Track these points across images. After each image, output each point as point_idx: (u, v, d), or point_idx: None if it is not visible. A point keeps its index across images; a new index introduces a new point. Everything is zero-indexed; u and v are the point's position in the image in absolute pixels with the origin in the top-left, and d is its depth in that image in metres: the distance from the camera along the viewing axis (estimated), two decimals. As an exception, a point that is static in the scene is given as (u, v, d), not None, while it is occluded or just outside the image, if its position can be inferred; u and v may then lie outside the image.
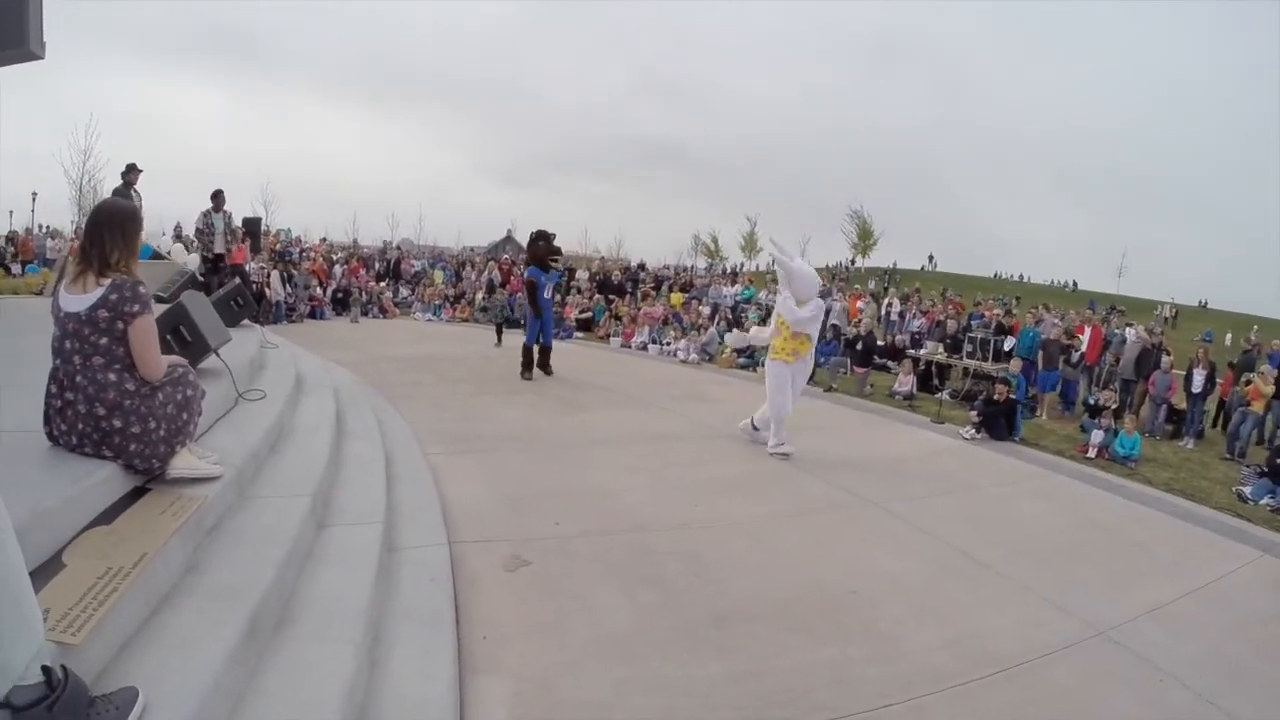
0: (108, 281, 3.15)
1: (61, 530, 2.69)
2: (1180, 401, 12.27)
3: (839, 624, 4.00)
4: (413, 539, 4.49)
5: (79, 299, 3.14)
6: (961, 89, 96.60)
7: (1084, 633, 4.13)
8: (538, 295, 11.35)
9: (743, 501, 5.93)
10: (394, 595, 3.70)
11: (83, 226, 3.70)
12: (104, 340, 3.14)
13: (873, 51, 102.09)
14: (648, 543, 4.91)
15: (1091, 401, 11.48)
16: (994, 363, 13.28)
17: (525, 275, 12.19)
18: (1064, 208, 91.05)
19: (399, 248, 32.62)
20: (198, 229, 12.26)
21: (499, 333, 15.58)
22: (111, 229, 3.24)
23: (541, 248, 11.64)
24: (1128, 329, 16.23)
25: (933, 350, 14.77)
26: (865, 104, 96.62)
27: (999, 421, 9.46)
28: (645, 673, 3.40)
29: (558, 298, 17.24)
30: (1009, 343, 13.75)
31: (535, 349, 11.40)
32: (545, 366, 11.55)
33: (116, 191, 10.86)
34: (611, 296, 20.54)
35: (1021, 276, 65.84)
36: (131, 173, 11.20)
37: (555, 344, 12.21)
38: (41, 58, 12.27)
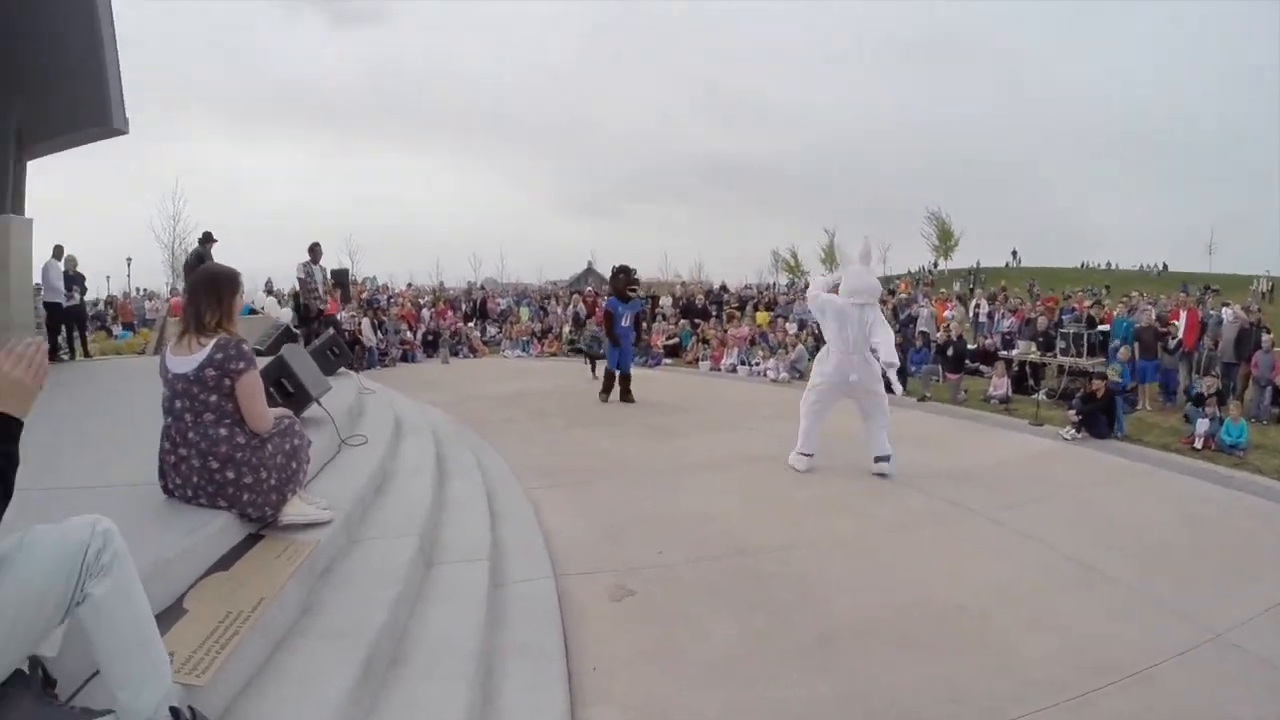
0: (211, 342, 3.27)
1: (182, 577, 2.78)
2: (1285, 381, 11.45)
3: (948, 639, 3.85)
4: (519, 573, 4.50)
5: (185, 360, 3.27)
6: (1026, 74, 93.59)
7: (1200, 635, 3.88)
8: (615, 325, 11.87)
9: (843, 519, 5.79)
10: (503, 630, 3.70)
11: (178, 287, 3.87)
12: (213, 398, 3.27)
13: (933, 45, 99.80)
14: (750, 565, 4.83)
15: (1194, 390, 10.85)
16: (1089, 357, 12.73)
17: (605, 306, 12.87)
18: (1146, 188, 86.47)
19: (483, 287, 33.24)
20: (300, 279, 12.68)
21: (592, 363, 15.63)
22: (208, 293, 3.38)
23: (621, 280, 12.27)
24: (1224, 309, 15.40)
25: (1025, 350, 14.16)
26: (932, 101, 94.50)
27: (1099, 418, 9.03)
28: (754, 696, 3.32)
29: (644, 325, 17.50)
30: (1123, 350, 13.14)
31: (615, 375, 12.00)
32: (626, 394, 11.93)
33: (192, 256, 11.39)
34: (696, 320, 20.49)
35: (1109, 264, 62.60)
36: (207, 241, 11.79)
37: (644, 371, 12.91)
38: (126, 133, 13.00)
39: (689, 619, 4.08)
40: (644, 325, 17.18)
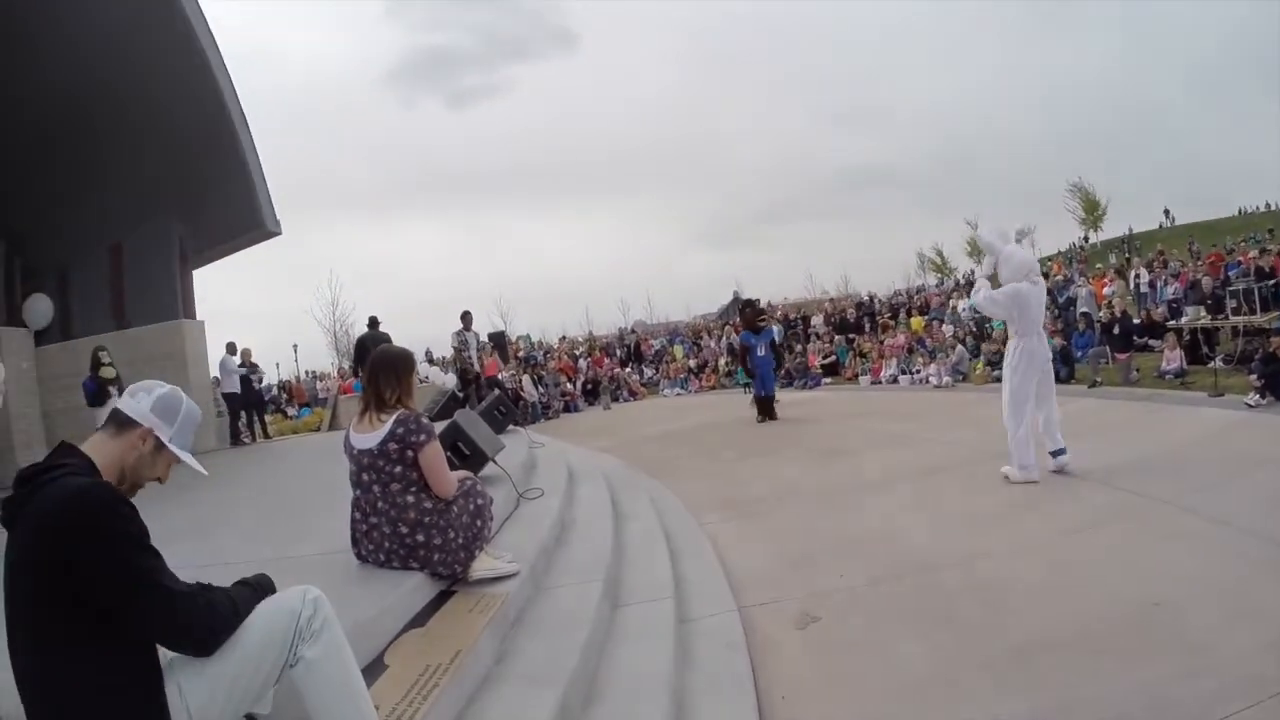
0: (392, 418, 3.49)
1: (381, 635, 2.95)
2: None
3: (1146, 641, 3.54)
4: (703, 609, 4.49)
5: (368, 437, 3.51)
6: (1153, 21, 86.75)
7: None
8: (751, 356, 12.95)
9: (1025, 523, 5.48)
10: (692, 665, 3.69)
11: (344, 367, 4.15)
12: (398, 469, 3.49)
13: (1049, 9, 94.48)
14: (935, 581, 4.63)
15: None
16: (1264, 313, 11.60)
17: (740, 341, 14.10)
18: None
19: (634, 330, 33.74)
20: (455, 348, 13.34)
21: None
22: (388, 373, 3.63)
23: (749, 314, 13.57)
24: None
25: (1194, 316, 13.03)
26: (1056, 71, 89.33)
27: None
28: (947, 715, 3.17)
29: (784, 348, 18.45)
30: None
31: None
32: (770, 413, 12.68)
33: (366, 338, 12.18)
34: (851, 335, 20.14)
35: (1268, 205, 56.53)
36: (374, 326, 12.64)
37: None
38: (279, 234, 14.16)
39: (876, 641, 3.95)
40: (782, 349, 17.80)
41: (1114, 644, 3.57)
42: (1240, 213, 54.35)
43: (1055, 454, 6.67)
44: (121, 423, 2.06)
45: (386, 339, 11.71)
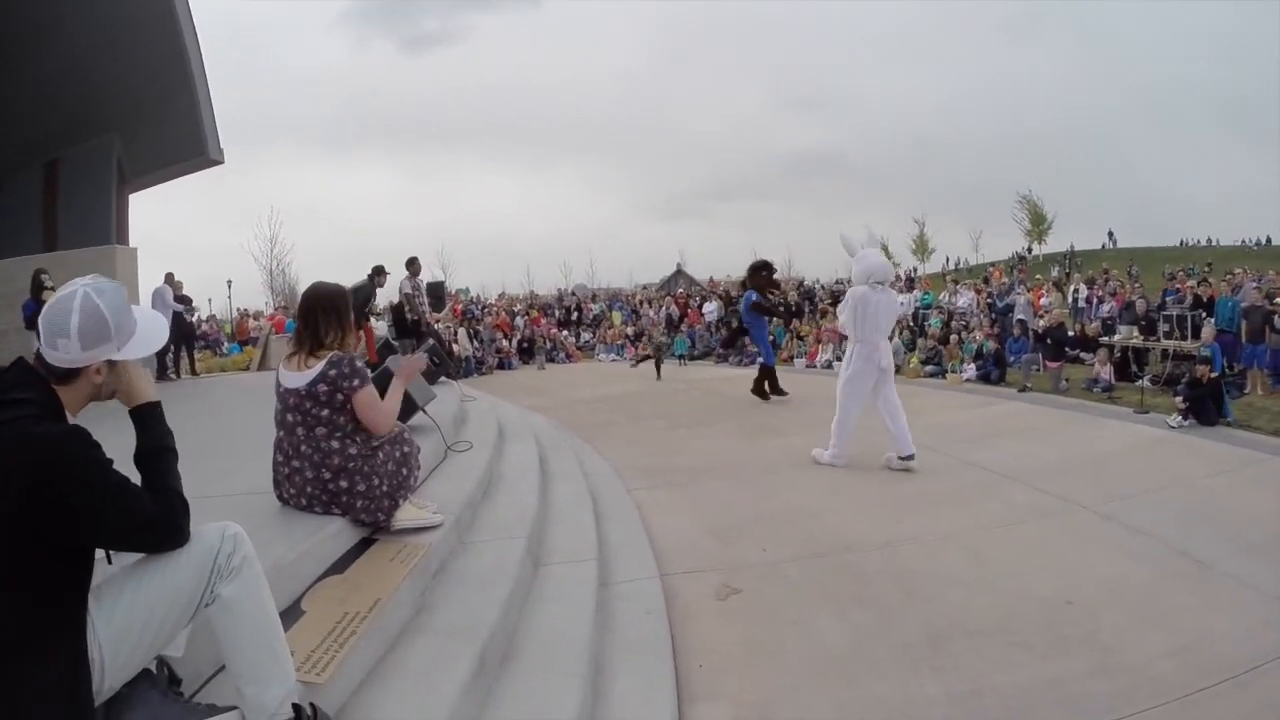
0: (325, 358, 3.38)
1: (300, 580, 2.90)
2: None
3: (1058, 637, 3.68)
4: (625, 573, 4.51)
5: (298, 376, 3.39)
6: (1115, 44, 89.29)
7: None
8: (758, 323, 12.09)
9: (949, 514, 5.61)
10: (612, 628, 3.72)
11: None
12: (325, 412, 3.38)
13: (1015, 21, 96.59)
14: (857, 562, 4.72)
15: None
16: (1194, 340, 12.06)
17: (753, 298, 12.07)
18: (1244, 157, 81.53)
19: (574, 293, 33.53)
20: (407, 294, 12.98)
21: (658, 368, 15.65)
22: (325, 311, 3.50)
23: (764, 277, 12.14)
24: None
25: (1127, 335, 13.42)
26: (1018, 80, 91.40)
27: (1207, 404, 8.51)
28: (863, 694, 3.25)
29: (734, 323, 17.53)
30: (1206, 329, 12.35)
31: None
32: (777, 388, 11.64)
33: (361, 285, 11.73)
34: (791, 317, 20.29)
35: (1209, 240, 58.97)
36: (380, 274, 12.12)
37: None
38: (221, 163, 13.67)
39: (795, 617, 4.02)
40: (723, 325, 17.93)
41: (1027, 637, 3.69)
42: (1181, 244, 56.46)
43: (905, 459, 6.83)
44: (65, 374, 1.92)
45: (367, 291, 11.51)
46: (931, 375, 13.80)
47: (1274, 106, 74.32)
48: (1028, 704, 3.11)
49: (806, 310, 20.86)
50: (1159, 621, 3.81)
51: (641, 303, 26.70)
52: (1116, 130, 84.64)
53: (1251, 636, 3.60)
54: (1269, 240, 55.46)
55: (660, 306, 24.36)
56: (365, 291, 11.75)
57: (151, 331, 2.08)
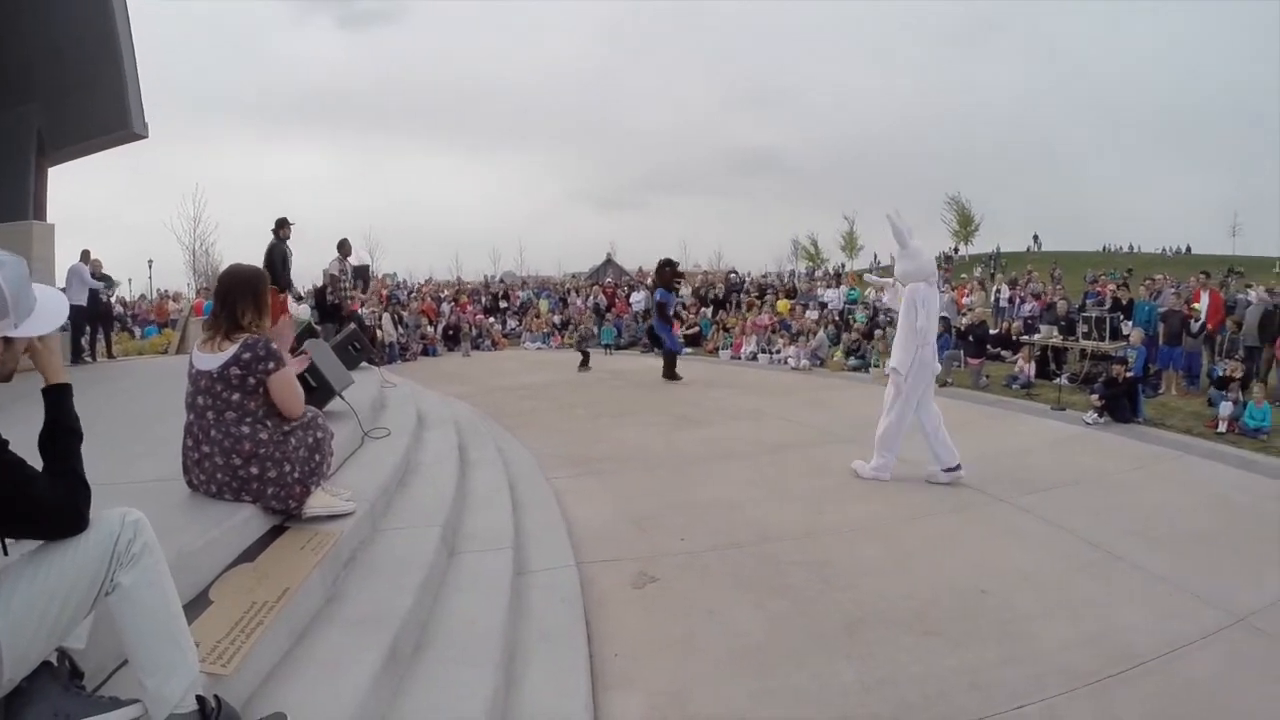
0: (239, 341, 3.31)
1: (207, 569, 2.84)
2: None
3: (972, 626, 3.83)
4: (542, 562, 4.53)
5: (211, 358, 3.30)
6: (1054, 57, 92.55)
7: (1223, 621, 3.83)
8: (665, 314, 13.55)
9: (867, 506, 5.78)
10: (527, 616, 3.73)
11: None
12: (235, 396, 3.30)
13: (959, 31, 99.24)
14: (775, 553, 4.82)
15: (1217, 373, 10.71)
16: (1111, 341, 12.61)
17: (657, 298, 13.90)
18: (1169, 169, 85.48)
19: (502, 280, 33.26)
20: (333, 276, 12.67)
21: (584, 359, 15.72)
22: (245, 293, 3.42)
23: (667, 273, 13.74)
24: (1248, 291, 15.13)
25: (1047, 335, 13.99)
26: (956, 88, 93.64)
27: (1122, 403, 8.95)
28: (779, 683, 3.32)
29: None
30: (1127, 327, 12.99)
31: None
32: (674, 372, 13.08)
33: (271, 246, 11.35)
34: (717, 310, 20.48)
35: (1131, 247, 61.62)
36: (284, 227, 11.67)
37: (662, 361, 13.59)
38: (145, 137, 13.12)
39: (712, 606, 4.09)
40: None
41: (942, 626, 3.83)
42: (1104, 249, 58.63)
43: (951, 469, 6.38)
44: None
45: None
46: (855, 369, 14.10)
47: (1203, 123, 77.92)
48: (941, 691, 3.23)
49: (733, 303, 21.05)
50: (1071, 611, 3.99)
51: (569, 291, 26.64)
52: (1051, 140, 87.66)
53: (1159, 626, 3.80)
54: (1189, 249, 58.26)
55: (588, 296, 24.34)
56: (280, 251, 11.45)
57: (51, 310, 2.02)
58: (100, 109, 12.06)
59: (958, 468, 6.37)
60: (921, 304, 6.45)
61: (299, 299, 14.89)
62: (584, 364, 14.88)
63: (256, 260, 10.48)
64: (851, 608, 4.03)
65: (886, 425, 6.49)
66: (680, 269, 14.28)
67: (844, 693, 3.23)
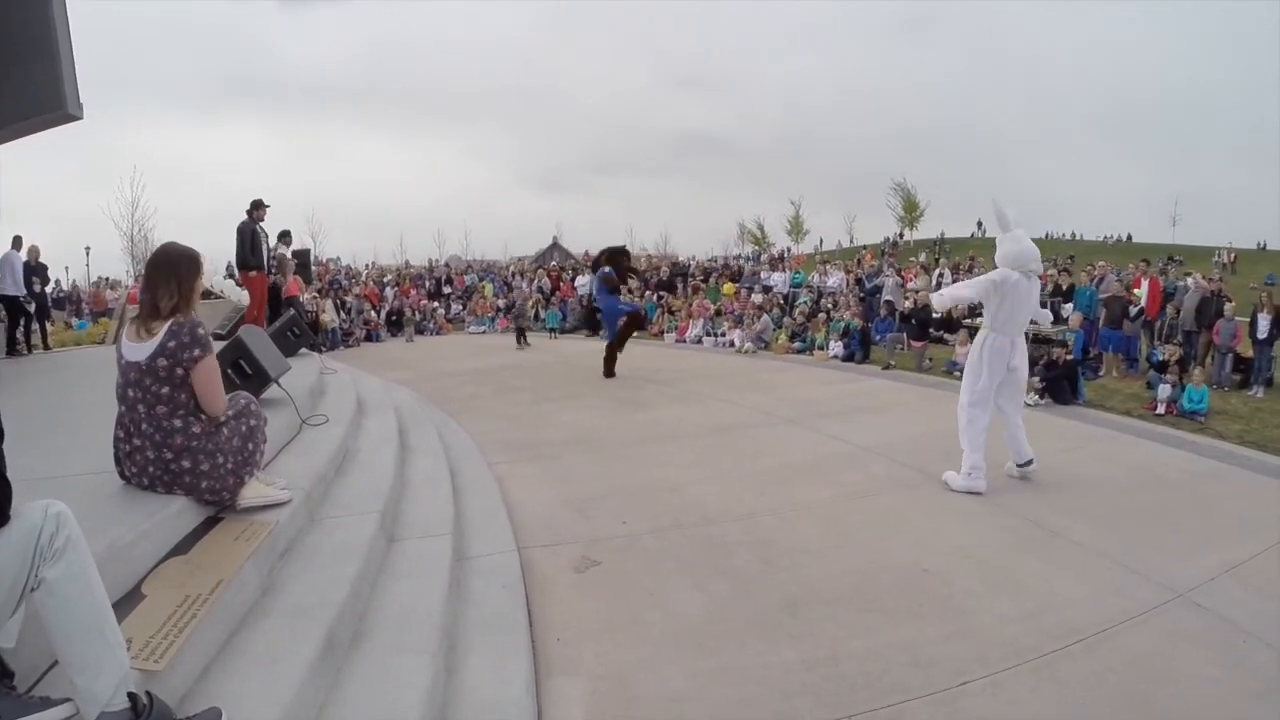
0: (165, 328, 3.17)
1: (139, 563, 2.79)
2: (1246, 349, 11.61)
3: (913, 603, 3.93)
4: (482, 548, 4.54)
5: (139, 347, 3.17)
6: (999, 48, 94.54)
7: (1162, 596, 3.97)
8: (612, 304, 12.44)
9: (809, 486, 5.86)
10: (467, 603, 3.74)
11: (138, 275, 3.77)
12: (165, 389, 3.18)
13: (907, 20, 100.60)
14: (717, 534, 4.89)
15: (1156, 357, 11.09)
16: (1053, 325, 12.94)
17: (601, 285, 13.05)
18: (1113, 160, 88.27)
19: (447, 264, 32.90)
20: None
21: (520, 336, 15.75)
22: (166, 274, 3.23)
23: (624, 263, 13.04)
24: (1186, 278, 15.65)
25: None
26: (903, 75, 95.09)
27: (1062, 385, 9.26)
28: (721, 663, 3.38)
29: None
30: (1068, 309, 13.33)
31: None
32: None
33: (242, 225, 10.99)
34: (662, 293, 20.52)
35: (1074, 235, 63.60)
36: (258, 209, 11.27)
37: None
38: (80, 118, 12.67)
39: (654, 588, 4.13)
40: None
41: (883, 603, 3.92)
42: (1047, 236, 60.05)
43: (1024, 465, 6.17)
44: None
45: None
46: (798, 351, 14.29)
47: (1145, 115, 79.91)
48: (882, 668, 3.31)
49: (679, 286, 21.10)
50: (1012, 588, 4.11)
51: (514, 275, 26.48)
52: (997, 130, 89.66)
53: (1099, 601, 3.94)
54: (1129, 238, 60.27)
55: (533, 279, 24.23)
56: (249, 230, 11.11)
57: None
58: (33, 89, 11.58)
59: (1030, 463, 6.13)
60: (999, 290, 6.19)
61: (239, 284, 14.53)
62: (521, 339, 15.01)
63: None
64: (793, 587, 4.11)
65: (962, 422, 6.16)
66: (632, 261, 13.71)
67: (786, 671, 3.29)
